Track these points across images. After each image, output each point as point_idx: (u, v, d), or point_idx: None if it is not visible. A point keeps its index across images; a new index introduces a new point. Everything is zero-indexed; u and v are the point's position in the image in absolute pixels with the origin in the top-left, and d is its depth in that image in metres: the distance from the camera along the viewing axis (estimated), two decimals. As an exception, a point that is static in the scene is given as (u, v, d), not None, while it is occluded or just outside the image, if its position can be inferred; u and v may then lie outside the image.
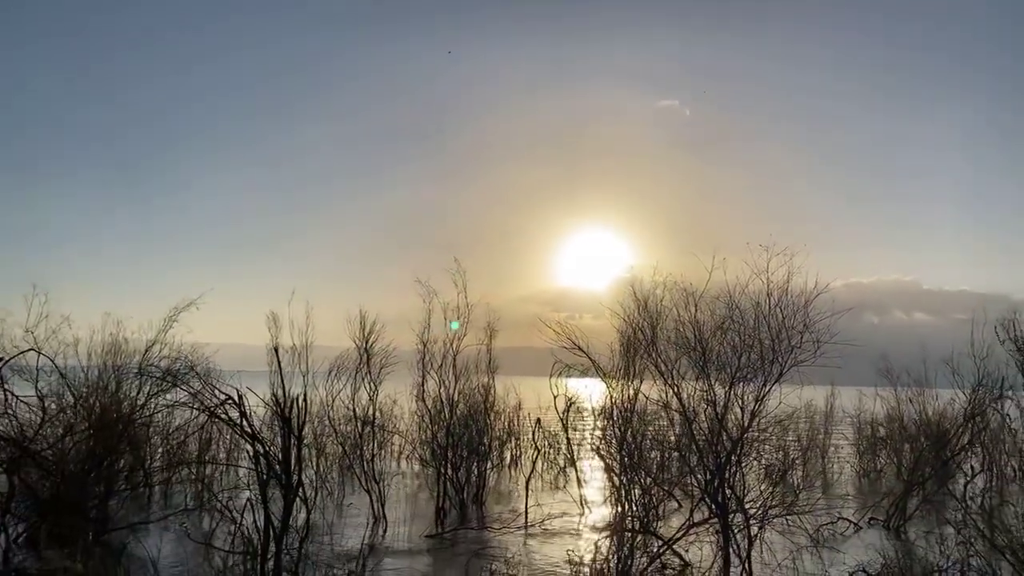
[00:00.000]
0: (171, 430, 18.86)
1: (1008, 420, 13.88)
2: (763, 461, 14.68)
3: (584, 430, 23.70)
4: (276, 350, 13.62)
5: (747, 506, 12.97)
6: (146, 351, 17.43)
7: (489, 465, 22.70)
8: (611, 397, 15.39)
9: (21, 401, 13.99)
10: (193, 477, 18.90)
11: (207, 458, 19.96)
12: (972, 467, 20.67)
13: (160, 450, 19.54)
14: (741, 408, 12.88)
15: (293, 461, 10.90)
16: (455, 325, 19.88)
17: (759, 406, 12.84)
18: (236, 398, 11.28)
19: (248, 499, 11.30)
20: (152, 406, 16.93)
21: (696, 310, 13.28)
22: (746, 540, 12.80)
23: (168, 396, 15.98)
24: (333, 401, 20.34)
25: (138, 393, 17.13)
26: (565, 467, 25.66)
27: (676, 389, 13.62)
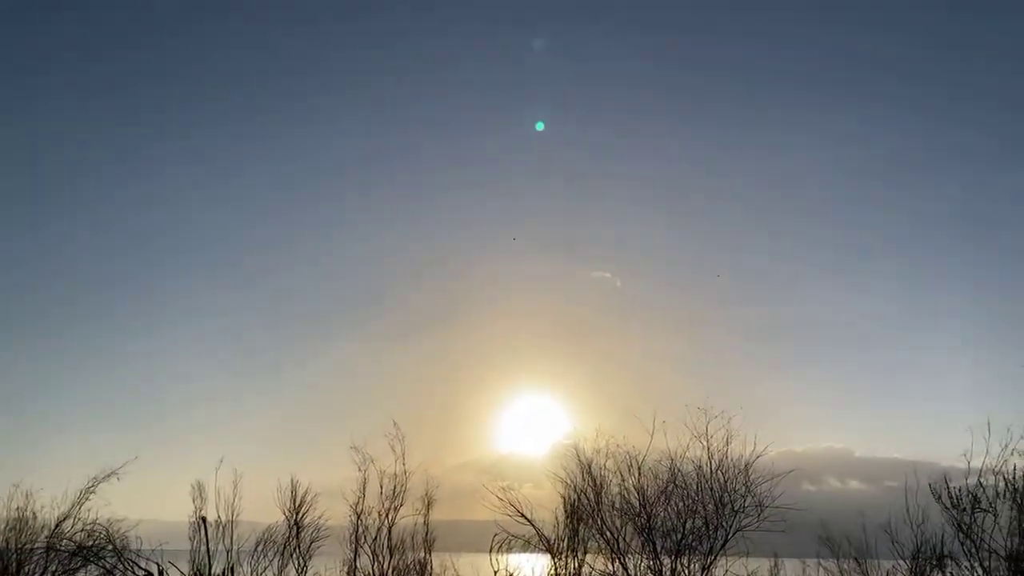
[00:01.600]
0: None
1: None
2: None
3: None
4: (203, 520, 12.91)
5: None
6: (56, 526, 16.19)
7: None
8: (555, 568, 14.85)
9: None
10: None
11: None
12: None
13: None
14: (688, 577, 12.64)
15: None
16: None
17: (706, 575, 12.62)
18: (156, 574, 10.54)
19: None
20: (58, 587, 15.51)
21: (640, 475, 13.32)
22: None
23: (79, 575, 14.71)
24: (258, 580, 18.99)
25: (43, 573, 15.71)
26: (506, 652, 24.06)
27: (623, 559, 13.31)
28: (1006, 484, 11.32)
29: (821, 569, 24.86)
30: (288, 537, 18.67)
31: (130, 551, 13.09)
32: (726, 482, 12.57)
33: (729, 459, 12.77)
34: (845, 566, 23.19)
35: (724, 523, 12.50)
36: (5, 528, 17.07)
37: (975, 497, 11.08)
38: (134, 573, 10.60)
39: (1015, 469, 11.51)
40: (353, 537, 19.47)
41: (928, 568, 17.46)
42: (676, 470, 13.13)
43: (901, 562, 19.12)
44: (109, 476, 16.57)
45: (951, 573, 14.40)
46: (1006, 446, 11.49)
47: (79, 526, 15.92)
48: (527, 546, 15.45)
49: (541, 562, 16.53)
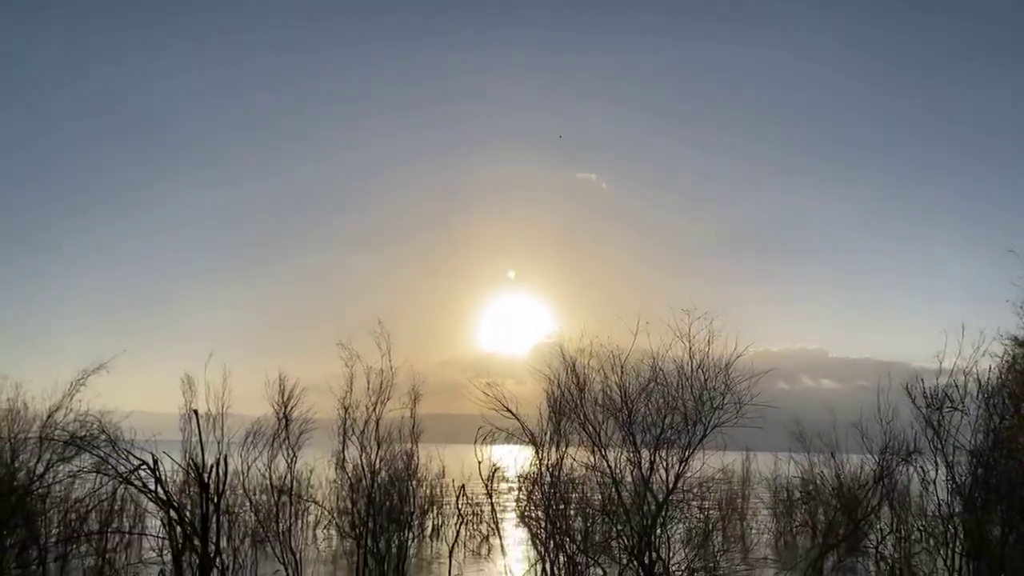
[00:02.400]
0: (71, 502, 17.68)
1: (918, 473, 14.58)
2: (687, 524, 14.84)
3: (509, 497, 23.45)
4: (195, 413, 13.15)
5: (672, 569, 13.07)
6: (48, 417, 16.44)
7: (411, 535, 22.09)
8: (538, 461, 15.36)
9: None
10: (94, 551, 17.65)
11: (112, 529, 18.68)
12: (882, 529, 21.37)
13: (57, 523, 18.22)
14: (666, 470, 13.10)
15: (211, 527, 10.41)
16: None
17: (683, 468, 13.10)
18: (151, 464, 10.79)
19: (160, 570, 10.69)
20: (53, 475, 15.89)
21: (622, 373, 13.57)
22: (673, 604, 12.86)
23: (72, 464, 15.02)
24: (248, 469, 19.52)
25: (37, 462, 16.07)
26: (489, 535, 25.20)
27: (603, 451, 13.75)
28: (977, 384, 11.68)
29: (792, 462, 26.02)
30: (277, 429, 19.09)
31: (123, 441, 13.33)
32: (706, 380, 12.86)
33: (710, 359, 13.02)
34: (815, 459, 24.26)
35: (703, 419, 12.88)
36: (-1, 418, 17.36)
37: (946, 396, 11.45)
38: (128, 462, 10.83)
39: (988, 370, 11.86)
40: (341, 429, 19.93)
41: (895, 463, 18.27)
42: (658, 369, 13.40)
43: (869, 456, 19.98)
44: (99, 369, 16.74)
45: (917, 467, 15.05)
46: (978, 348, 11.80)
47: (71, 417, 16.18)
48: (511, 438, 15.90)
49: (524, 453, 17.09)
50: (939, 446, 11.57)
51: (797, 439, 24.21)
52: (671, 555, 13.33)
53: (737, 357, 12.88)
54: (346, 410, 19.85)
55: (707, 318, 13.10)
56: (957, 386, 11.64)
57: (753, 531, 27.30)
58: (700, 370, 12.97)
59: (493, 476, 20.92)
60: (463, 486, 23.97)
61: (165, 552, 11.53)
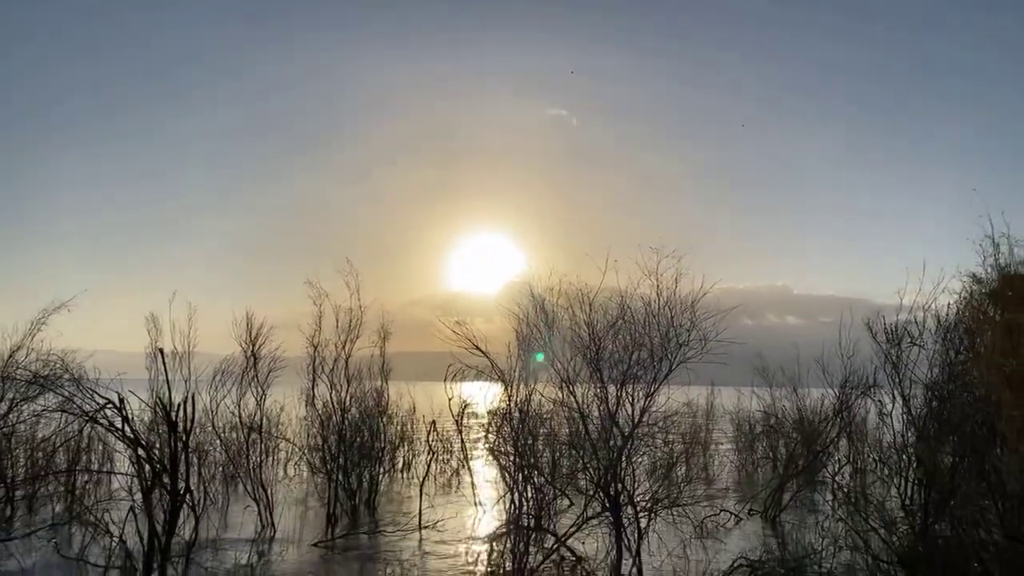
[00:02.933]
0: (37, 441, 17.59)
1: (875, 406, 15.04)
2: (652, 456, 15.20)
3: (479, 432, 23.79)
4: (161, 352, 13.00)
5: (636, 500, 13.42)
6: (10, 356, 16.22)
7: (382, 470, 22.41)
8: (507, 397, 15.52)
9: None
10: (63, 490, 17.65)
11: (80, 468, 18.65)
12: (839, 459, 22.14)
13: (24, 462, 18.15)
14: (632, 405, 13.33)
15: (181, 466, 10.42)
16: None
17: (648, 402, 13.33)
18: (117, 402, 10.70)
19: (131, 508, 10.72)
20: (16, 415, 15.76)
21: (590, 311, 13.65)
22: (636, 532, 13.24)
23: (36, 403, 14.87)
24: (217, 408, 19.51)
25: (0, 401, 15.91)
26: (459, 469, 25.66)
27: (571, 388, 13.92)
28: (937, 321, 11.95)
29: (755, 397, 26.70)
30: (245, 367, 19.05)
31: (88, 380, 13.16)
32: (672, 318, 12.98)
33: (677, 296, 13.12)
34: (777, 393, 24.90)
35: (668, 355, 13.04)
36: (-43, 357, 17.05)
37: (905, 331, 11.71)
38: (94, 401, 10.72)
39: (947, 306, 12.11)
40: (311, 367, 19.98)
41: (854, 396, 18.82)
42: (625, 306, 13.49)
43: (830, 390, 20.55)
44: (59, 308, 16.50)
45: (875, 400, 15.50)
46: (938, 285, 12.01)
47: (33, 356, 15.99)
48: (480, 375, 16.02)
49: (493, 390, 17.27)
50: (897, 380, 11.87)
51: (760, 374, 24.81)
52: (636, 486, 13.66)
53: (703, 295, 13.00)
54: (315, 348, 19.86)
55: (675, 256, 13.16)
56: (916, 322, 11.89)
57: (716, 463, 28.12)
58: (667, 307, 13.08)
59: (463, 412, 21.21)
60: (433, 422, 24.26)
61: (135, 490, 11.52)
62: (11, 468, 17.49)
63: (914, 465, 11.76)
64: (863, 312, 14.05)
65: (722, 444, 29.76)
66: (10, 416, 15.65)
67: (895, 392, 12.01)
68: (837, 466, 20.65)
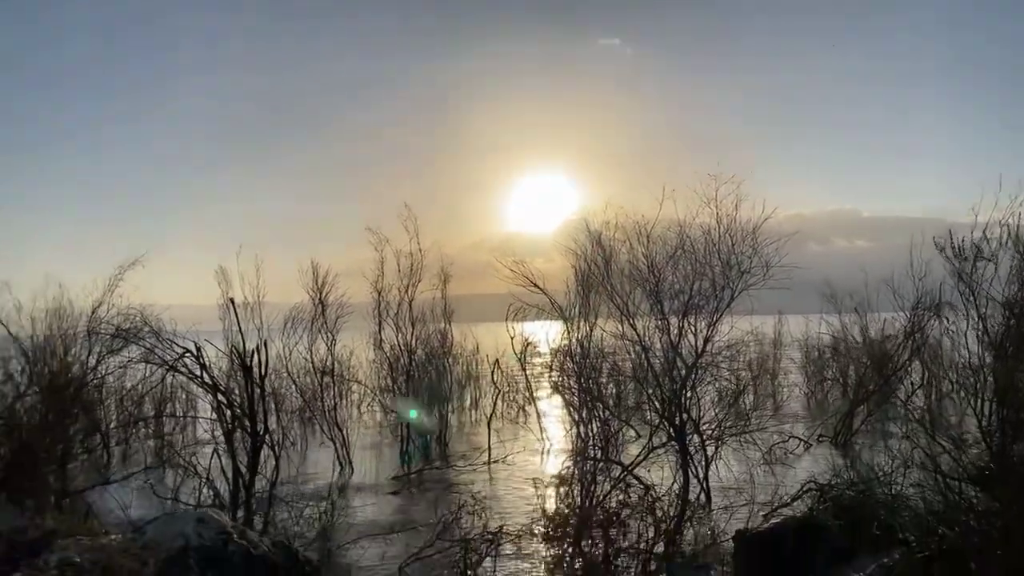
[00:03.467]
0: (125, 391, 18.57)
1: (949, 327, 14.52)
2: (716, 386, 15.17)
3: (542, 369, 24.07)
4: (232, 301, 13.48)
5: (702, 428, 13.47)
6: (93, 312, 16.99)
7: (450, 408, 22.99)
8: (568, 333, 15.63)
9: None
10: (152, 435, 18.70)
11: (166, 414, 19.70)
12: (912, 383, 21.67)
13: (115, 411, 19.23)
14: (694, 335, 13.25)
15: (258, 408, 10.89)
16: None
17: (711, 332, 13.23)
18: (195, 351, 11.19)
19: (214, 449, 11.29)
20: (104, 367, 16.59)
21: (648, 242, 13.51)
22: (703, 460, 13.33)
23: (121, 355, 15.62)
24: (290, 354, 20.22)
25: (88, 355, 16.76)
26: (524, 406, 26.09)
27: (631, 321, 13.91)
28: (1010, 235, 11.41)
29: (823, 323, 26.19)
30: (314, 314, 19.64)
31: (166, 332, 13.77)
32: (733, 245, 12.76)
33: (737, 223, 12.87)
34: (846, 319, 24.39)
35: (730, 284, 12.87)
36: (47, 316, 18.01)
37: (978, 248, 11.22)
38: (173, 351, 11.24)
39: (1021, 218, 11.52)
40: (376, 312, 20.49)
41: (926, 317, 18.28)
42: (684, 236, 13.30)
43: (901, 313, 20.02)
44: (134, 264, 17.14)
45: (947, 320, 15.04)
46: (1015, 198, 11.42)
47: (114, 311, 16.72)
48: (540, 314, 16.15)
49: (554, 328, 17.40)
50: (972, 299, 11.44)
51: (828, 300, 24.30)
52: (701, 415, 13.70)
53: (765, 220, 12.73)
54: (379, 293, 20.33)
55: (734, 182, 12.87)
56: (990, 239, 11.37)
57: (784, 390, 27.88)
58: (727, 235, 12.86)
59: (525, 350, 21.46)
60: (497, 361, 24.62)
61: (217, 433, 12.13)
62: (104, 417, 18.56)
63: (991, 385, 11.41)
64: (936, 232, 13.51)
65: (790, 373, 29.43)
66: (99, 368, 16.48)
67: (970, 311, 11.60)
68: (910, 389, 20.21)
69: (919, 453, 8.82)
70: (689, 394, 13.37)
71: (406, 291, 20.31)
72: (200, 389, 13.33)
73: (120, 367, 16.50)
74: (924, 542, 7.57)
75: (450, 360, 22.78)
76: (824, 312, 25.49)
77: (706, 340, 13.19)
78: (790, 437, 17.93)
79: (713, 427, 13.54)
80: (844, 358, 24.87)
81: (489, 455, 17.91)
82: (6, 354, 14.73)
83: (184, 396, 21.37)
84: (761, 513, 9.91)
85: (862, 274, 23.17)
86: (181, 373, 11.49)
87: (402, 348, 20.28)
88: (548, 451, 19.21)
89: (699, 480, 13.18)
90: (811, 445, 18.10)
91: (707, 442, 13.42)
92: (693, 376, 13.31)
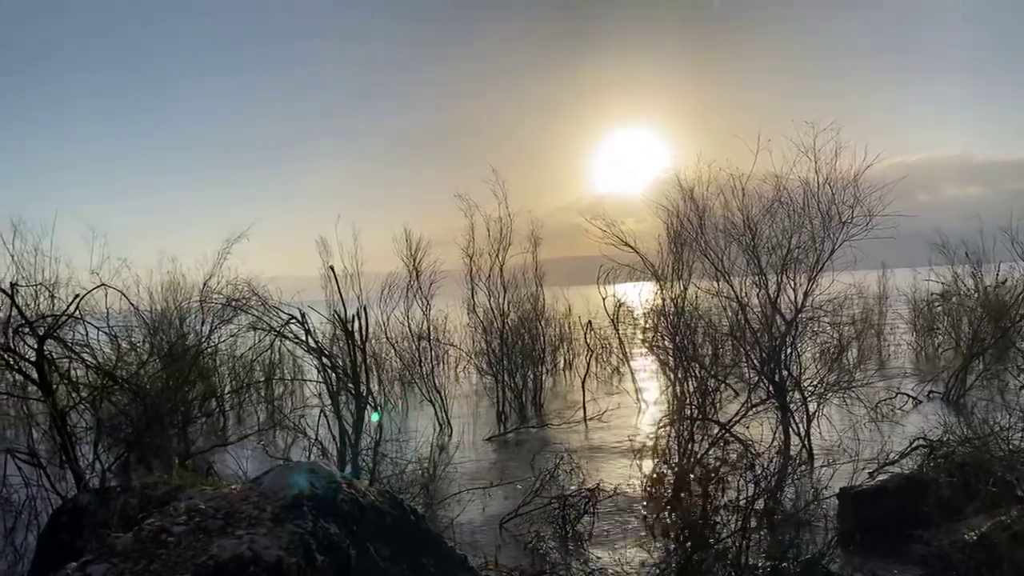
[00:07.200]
0: (236, 358, 19.64)
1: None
2: (818, 341, 14.72)
3: (635, 330, 23.93)
4: (332, 269, 13.98)
5: (804, 385, 13.13)
6: (204, 284, 18.00)
7: (544, 370, 23.20)
8: (661, 292, 15.45)
9: (103, 333, 14.53)
10: (263, 399, 19.74)
11: (276, 379, 20.72)
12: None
13: (228, 377, 20.37)
14: (794, 289, 12.88)
15: (360, 370, 11.32)
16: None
17: (812, 286, 12.83)
18: (299, 317, 11.70)
19: (321, 411, 11.83)
20: (217, 336, 17.58)
21: (743, 196, 13.16)
22: (804, 417, 13.02)
23: (231, 324, 16.51)
24: (388, 320, 20.82)
25: (202, 324, 17.82)
26: (618, 366, 26.06)
27: (727, 278, 13.63)
28: None
29: (932, 274, 24.90)
30: (409, 281, 20.12)
31: (272, 300, 14.43)
32: (834, 195, 12.26)
33: (837, 172, 12.35)
34: (959, 271, 23.11)
35: (831, 236, 12.40)
36: (163, 289, 19.25)
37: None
38: (279, 318, 11.80)
39: None
40: (469, 277, 20.80)
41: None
42: (781, 187, 12.87)
43: (1020, 262, 18.85)
44: (239, 238, 18.02)
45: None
46: None
47: (223, 283, 17.65)
48: (632, 274, 16.00)
49: (647, 288, 17.23)
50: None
51: (940, 250, 23.10)
52: (802, 372, 13.35)
53: (867, 167, 12.16)
54: (471, 259, 20.60)
55: (833, 129, 12.32)
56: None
57: (890, 345, 26.79)
58: (827, 185, 12.37)
59: (618, 311, 21.36)
60: (589, 322, 24.63)
61: (323, 396, 12.68)
62: (219, 383, 19.71)
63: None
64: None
65: (898, 327, 28.22)
66: (212, 337, 17.49)
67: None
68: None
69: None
70: (789, 351, 13.06)
71: (496, 255, 20.52)
72: (306, 354, 13.95)
73: (231, 335, 17.46)
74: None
75: (543, 323, 22.94)
76: (934, 264, 24.27)
77: (806, 295, 12.80)
78: (897, 394, 17.26)
79: (815, 383, 13.18)
80: (957, 310, 23.63)
81: (585, 414, 18.04)
82: (129, 324, 15.79)
83: (292, 361, 22.38)
84: (867, 470, 9.65)
85: (976, 221, 21.91)
86: (288, 338, 12.05)
87: (495, 312, 20.56)
88: (643, 410, 19.18)
89: (801, 437, 12.90)
90: (920, 402, 17.37)
91: (809, 399, 13.08)
92: (793, 332, 12.97)
